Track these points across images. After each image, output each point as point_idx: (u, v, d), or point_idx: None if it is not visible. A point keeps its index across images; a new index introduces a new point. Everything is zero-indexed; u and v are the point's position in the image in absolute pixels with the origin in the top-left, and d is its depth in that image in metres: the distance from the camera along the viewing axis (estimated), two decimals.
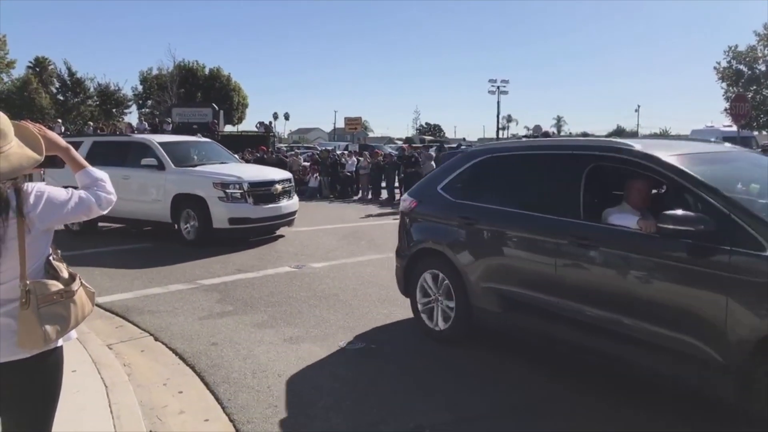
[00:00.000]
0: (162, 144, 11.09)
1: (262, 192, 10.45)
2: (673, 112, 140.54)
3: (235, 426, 3.83)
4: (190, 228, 10.28)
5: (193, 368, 4.81)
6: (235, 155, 14.07)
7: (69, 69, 47.62)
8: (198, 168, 10.82)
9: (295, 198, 11.54)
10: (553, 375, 4.57)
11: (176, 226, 10.51)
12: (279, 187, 10.76)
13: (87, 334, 5.30)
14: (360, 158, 22.66)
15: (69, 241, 10.06)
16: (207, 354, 5.12)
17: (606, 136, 15.95)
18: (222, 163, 11.57)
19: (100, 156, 11.09)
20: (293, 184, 11.70)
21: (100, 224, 11.72)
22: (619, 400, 4.06)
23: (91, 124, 33.42)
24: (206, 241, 9.99)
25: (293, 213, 11.22)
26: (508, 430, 3.76)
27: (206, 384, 4.50)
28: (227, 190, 10.02)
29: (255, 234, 10.62)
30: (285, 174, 11.65)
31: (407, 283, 5.71)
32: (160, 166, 10.58)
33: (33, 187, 2.08)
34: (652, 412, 3.89)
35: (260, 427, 3.81)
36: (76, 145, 11.17)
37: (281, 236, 11.22)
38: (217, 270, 8.38)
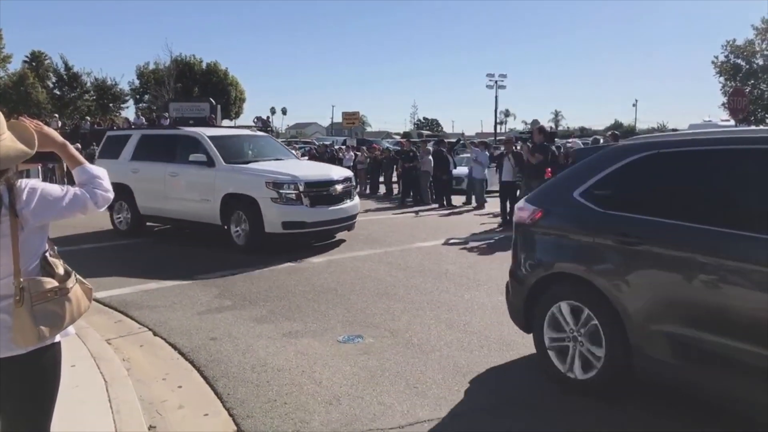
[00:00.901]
0: (212, 138, 10.15)
1: (320, 193, 9.43)
2: (671, 106, 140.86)
3: (234, 420, 3.84)
4: (241, 232, 9.34)
5: (192, 363, 4.82)
6: (293, 151, 13.18)
7: (65, 63, 47.55)
8: (250, 165, 9.83)
9: (356, 199, 10.45)
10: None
11: (226, 228, 9.62)
12: (339, 187, 9.71)
13: (86, 329, 5.29)
14: (357, 153, 22.66)
15: (67, 236, 10.02)
16: (206, 349, 5.12)
17: (605, 131, 15.94)
18: (277, 159, 10.55)
19: (147, 150, 10.81)
20: (354, 183, 10.64)
21: (149, 224, 11.30)
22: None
23: (88, 118, 33.31)
24: (258, 247, 9.13)
25: (354, 216, 10.21)
26: (507, 425, 3.77)
27: (205, 379, 4.50)
28: (281, 191, 9.04)
29: (311, 239, 9.76)
30: (345, 172, 10.57)
31: (528, 315, 4.51)
32: (210, 163, 9.68)
33: (26, 184, 2.06)
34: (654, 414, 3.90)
35: (260, 421, 3.81)
36: (125, 139, 11.30)
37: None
38: (216, 265, 8.37)
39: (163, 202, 10.31)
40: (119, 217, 11.09)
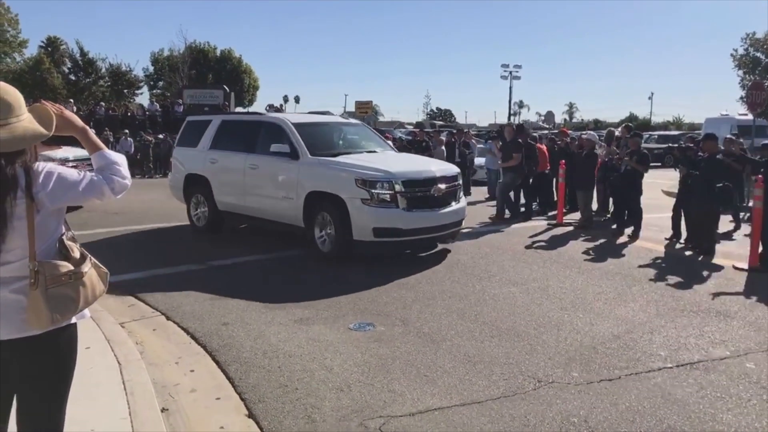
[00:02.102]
0: (298, 126, 8.73)
1: (420, 193, 7.86)
2: (687, 100, 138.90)
3: (246, 405, 3.87)
4: (326, 237, 7.98)
5: (204, 347, 4.86)
6: (389, 142, 11.42)
7: (81, 49, 47.66)
8: (339, 159, 8.28)
9: (463, 201, 8.74)
10: (559, 359, 4.58)
11: (310, 231, 8.22)
12: (442, 186, 8.05)
13: (100, 312, 5.35)
14: None
15: (82, 221, 10.09)
16: (218, 334, 5.16)
17: (619, 123, 15.80)
18: (370, 152, 9.04)
19: (227, 138, 9.57)
20: (461, 182, 8.81)
21: (234, 223, 9.94)
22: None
23: (103, 104, 33.47)
24: (346, 255, 7.76)
25: (459, 222, 8.56)
26: (517, 412, 3.77)
27: (217, 363, 4.54)
28: (373, 190, 7.52)
29: (407, 249, 8.23)
30: (450, 168, 8.78)
31: None
32: (293, 155, 8.32)
33: (43, 167, 2.06)
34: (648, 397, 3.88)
35: (271, 406, 3.84)
36: (204, 125, 10.00)
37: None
38: (228, 251, 8.42)
39: (242, 198, 9.13)
40: (196, 213, 9.94)
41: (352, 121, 10.89)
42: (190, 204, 10.02)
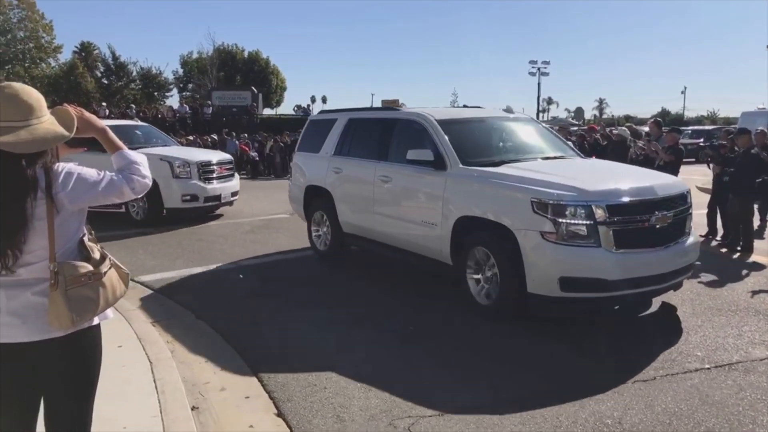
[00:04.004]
0: (444, 123, 6.43)
1: (635, 224, 5.12)
2: (722, 94, 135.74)
3: (275, 403, 3.88)
4: (485, 285, 5.53)
5: (234, 346, 4.88)
6: (569, 141, 8.56)
7: (113, 53, 48.73)
8: (503, 169, 5.76)
9: (693, 236, 5.72)
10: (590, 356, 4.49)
11: (460, 272, 5.77)
12: (668, 213, 5.24)
13: (131, 311, 5.43)
14: None
15: (112, 222, 10.24)
16: (248, 332, 5.18)
17: (650, 119, 15.50)
18: (547, 158, 6.43)
19: (354, 142, 7.59)
20: (690, 202, 5.71)
21: (354, 247, 7.95)
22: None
23: (134, 107, 34.11)
24: (515, 313, 5.31)
25: (689, 267, 5.61)
26: (549, 413, 3.70)
27: (247, 362, 4.55)
28: (561, 219, 4.92)
29: (612, 307, 5.33)
30: (676, 184, 5.82)
31: None
32: (438, 163, 6.02)
33: (63, 167, 2.07)
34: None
35: (300, 405, 3.84)
36: (329, 125, 8.14)
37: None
38: (258, 250, 8.48)
39: (370, 219, 7.06)
40: (317, 232, 8.11)
41: (518, 115, 7.80)
42: (311, 222, 8.23)
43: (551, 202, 4.96)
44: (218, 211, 11.82)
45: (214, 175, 11.30)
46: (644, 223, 5.11)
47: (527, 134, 7.19)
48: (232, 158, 13.00)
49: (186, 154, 11.58)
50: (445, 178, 5.94)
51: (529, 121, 7.72)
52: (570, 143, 7.79)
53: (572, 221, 4.92)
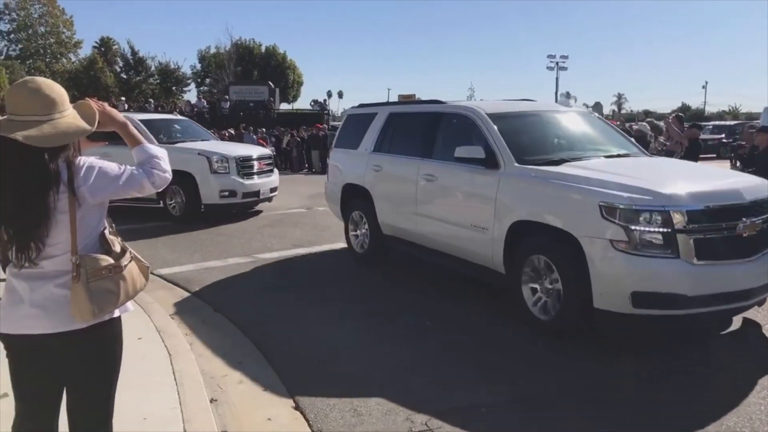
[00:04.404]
0: (495, 118, 5.91)
1: (720, 232, 4.49)
2: (745, 89, 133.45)
3: (293, 397, 3.89)
4: (546, 299, 4.95)
5: (251, 339, 4.91)
6: (632, 138, 7.72)
7: (132, 48, 49.27)
8: (564, 168, 5.22)
9: None
10: (608, 359, 4.44)
11: (515, 282, 5.20)
12: (757, 220, 4.60)
13: (151, 304, 5.48)
14: None
15: (130, 215, 10.31)
16: (265, 326, 5.21)
17: (671, 113, 15.28)
18: (611, 156, 5.87)
19: (396, 137, 7.15)
20: None
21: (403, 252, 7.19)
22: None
23: (152, 101, 34.43)
24: (579, 329, 4.80)
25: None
26: (566, 411, 3.67)
27: (264, 355, 4.58)
28: (633, 226, 4.34)
29: (686, 326, 4.87)
30: (762, 185, 5.03)
31: None
32: (490, 162, 5.52)
33: (85, 161, 2.10)
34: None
35: (317, 399, 3.84)
36: (369, 119, 7.69)
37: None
38: (275, 244, 8.51)
39: (413, 220, 6.62)
40: (356, 234, 7.73)
41: (575, 108, 7.42)
42: (348, 222, 7.86)
43: (623, 206, 4.39)
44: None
45: (254, 170, 11.00)
46: (730, 230, 4.46)
47: (586, 129, 6.60)
48: (272, 153, 12.74)
49: (225, 148, 11.19)
50: (498, 178, 5.42)
51: (586, 115, 7.15)
52: (631, 139, 7.15)
53: (647, 228, 4.33)
